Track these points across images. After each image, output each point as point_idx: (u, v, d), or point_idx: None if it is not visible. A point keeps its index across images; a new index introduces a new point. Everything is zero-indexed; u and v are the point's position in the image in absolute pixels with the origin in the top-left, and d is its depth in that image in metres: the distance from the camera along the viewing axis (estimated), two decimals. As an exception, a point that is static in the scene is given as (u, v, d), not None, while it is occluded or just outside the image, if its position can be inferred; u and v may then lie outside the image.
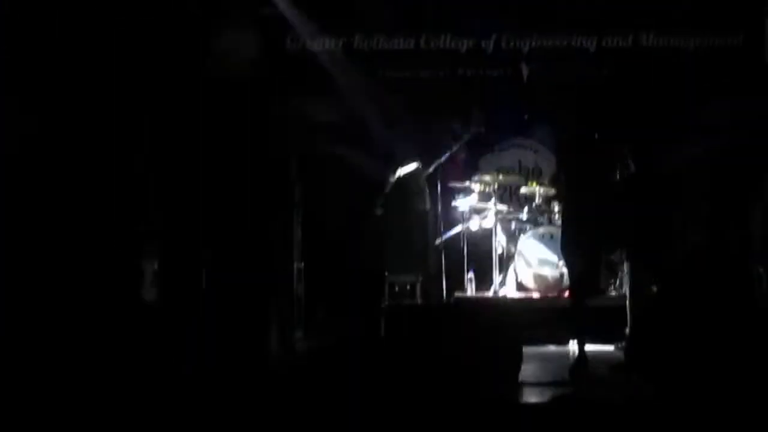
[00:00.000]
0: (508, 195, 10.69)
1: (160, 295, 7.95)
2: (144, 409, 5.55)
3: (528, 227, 9.79)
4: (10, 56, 7.78)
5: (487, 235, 9.82)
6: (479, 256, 9.93)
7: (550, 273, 9.45)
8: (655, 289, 8.91)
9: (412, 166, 10.00)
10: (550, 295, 9.40)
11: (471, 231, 9.91)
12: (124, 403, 5.63)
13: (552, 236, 9.39)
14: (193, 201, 8.44)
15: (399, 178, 9.93)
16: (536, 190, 9.91)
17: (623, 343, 7.47)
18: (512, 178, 10.34)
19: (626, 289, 9.37)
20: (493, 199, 9.75)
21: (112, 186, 8.04)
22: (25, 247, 7.52)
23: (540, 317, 8.73)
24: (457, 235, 9.90)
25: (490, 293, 9.57)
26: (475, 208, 9.98)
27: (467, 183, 9.96)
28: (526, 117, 10.73)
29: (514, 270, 9.65)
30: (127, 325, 7.37)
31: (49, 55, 7.93)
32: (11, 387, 5.96)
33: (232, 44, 9.12)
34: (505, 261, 9.75)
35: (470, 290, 9.71)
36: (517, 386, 6.49)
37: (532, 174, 10.75)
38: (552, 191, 9.74)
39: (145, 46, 8.39)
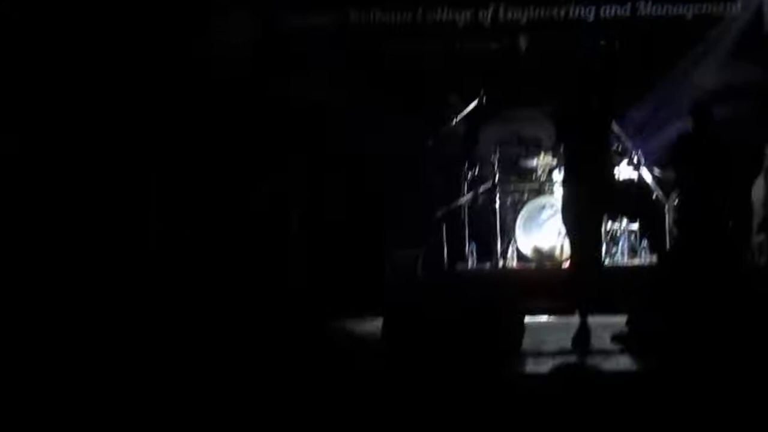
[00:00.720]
0: (508, 166, 10.68)
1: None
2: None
3: (529, 198, 9.78)
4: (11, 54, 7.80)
5: (487, 207, 9.81)
6: (480, 228, 9.92)
7: (551, 243, 9.45)
8: (656, 259, 8.95)
9: (413, 141, 9.98)
10: (551, 265, 9.40)
11: (472, 203, 9.90)
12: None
13: (553, 207, 9.38)
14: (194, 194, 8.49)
15: (400, 152, 9.92)
16: (537, 161, 9.89)
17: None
18: (512, 150, 10.31)
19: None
20: (493, 171, 9.72)
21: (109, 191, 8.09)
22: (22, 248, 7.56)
23: (542, 288, 8.74)
24: (458, 207, 9.89)
25: (491, 265, 9.58)
26: (476, 179, 9.96)
27: (468, 155, 9.95)
28: (525, 88, 10.70)
29: (516, 241, 9.65)
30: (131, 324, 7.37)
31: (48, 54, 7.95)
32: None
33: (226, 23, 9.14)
34: (506, 232, 9.75)
35: (471, 262, 9.71)
36: (519, 357, 6.51)
37: (533, 145, 10.72)
38: (553, 162, 9.73)
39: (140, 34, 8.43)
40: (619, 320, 7.19)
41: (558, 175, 9.54)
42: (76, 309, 7.49)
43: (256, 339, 7.12)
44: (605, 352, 6.73)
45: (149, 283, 8.17)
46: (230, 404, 5.35)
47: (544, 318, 8.31)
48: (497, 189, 9.66)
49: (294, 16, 10.51)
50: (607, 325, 7.26)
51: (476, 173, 9.97)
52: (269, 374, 6.01)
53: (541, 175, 9.88)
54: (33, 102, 8.09)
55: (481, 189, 9.89)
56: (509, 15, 10.72)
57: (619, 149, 9.44)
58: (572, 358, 6.63)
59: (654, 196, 9.46)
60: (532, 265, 9.54)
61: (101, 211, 8.29)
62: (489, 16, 10.74)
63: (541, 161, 9.86)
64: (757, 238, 9.01)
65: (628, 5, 10.55)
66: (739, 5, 10.41)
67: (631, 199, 8.46)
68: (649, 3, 10.52)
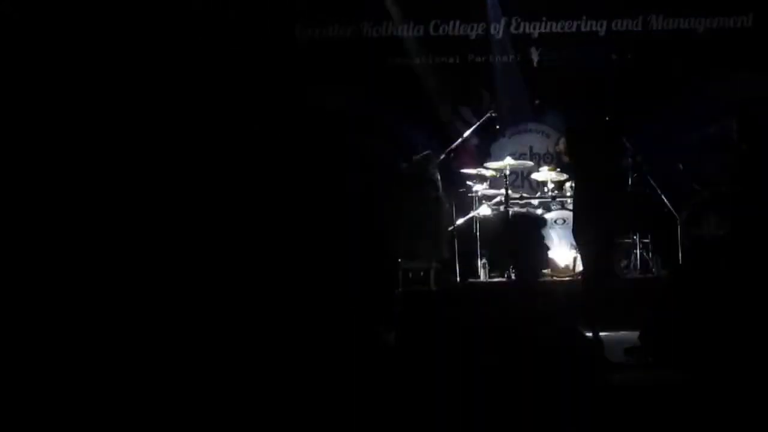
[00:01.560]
0: (520, 180, 10.70)
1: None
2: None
3: (540, 212, 9.78)
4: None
5: (499, 221, 9.81)
6: (492, 241, 9.92)
7: (563, 257, 9.45)
8: (667, 272, 8.94)
9: (423, 153, 10.00)
10: (563, 279, 9.40)
11: (483, 217, 9.91)
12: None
13: (564, 221, 9.39)
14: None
15: (411, 165, 9.93)
16: (548, 175, 9.90)
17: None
18: (524, 164, 10.33)
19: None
20: (505, 185, 9.74)
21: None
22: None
23: (553, 302, 8.72)
24: (470, 221, 9.90)
25: (503, 279, 9.58)
26: (487, 194, 9.98)
27: (479, 169, 9.96)
28: (537, 102, 10.72)
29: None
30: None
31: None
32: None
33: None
34: (518, 246, 9.75)
35: (483, 276, 9.72)
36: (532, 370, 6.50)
37: (544, 159, 10.74)
38: (564, 175, 9.73)
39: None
40: (632, 334, 7.18)
41: (569, 189, 9.56)
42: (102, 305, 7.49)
43: (269, 352, 7.12)
44: (618, 366, 6.72)
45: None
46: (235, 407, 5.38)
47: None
48: (509, 203, 9.66)
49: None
50: (619, 339, 7.25)
51: (488, 186, 9.98)
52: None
53: (552, 189, 9.89)
54: (34, 102, 8.08)
55: (493, 202, 9.91)
56: (521, 29, 10.74)
57: (631, 163, 9.44)
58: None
59: (665, 210, 9.45)
60: (545, 279, 9.52)
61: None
62: (501, 29, 10.76)
63: (553, 175, 9.86)
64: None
65: (640, 20, 10.58)
66: (751, 17, 10.42)
67: (643, 213, 8.47)
68: (661, 17, 10.54)
